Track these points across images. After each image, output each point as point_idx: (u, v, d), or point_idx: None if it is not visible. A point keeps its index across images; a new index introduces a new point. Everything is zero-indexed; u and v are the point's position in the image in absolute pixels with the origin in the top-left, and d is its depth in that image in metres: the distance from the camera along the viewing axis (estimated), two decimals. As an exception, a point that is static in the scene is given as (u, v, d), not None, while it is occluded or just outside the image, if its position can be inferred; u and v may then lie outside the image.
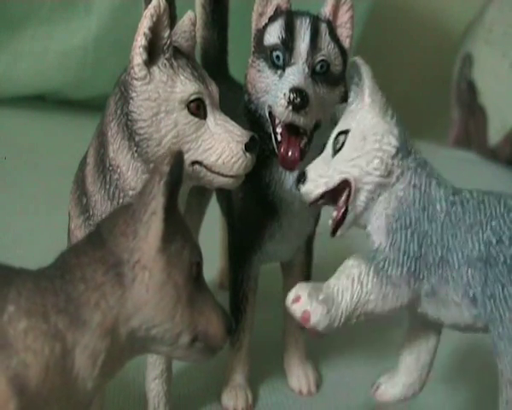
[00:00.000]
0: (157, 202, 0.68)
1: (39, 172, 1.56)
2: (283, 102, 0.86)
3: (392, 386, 0.87)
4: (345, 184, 0.82)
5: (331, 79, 0.91)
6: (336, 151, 0.83)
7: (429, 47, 2.47)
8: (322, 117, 0.90)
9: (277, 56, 0.91)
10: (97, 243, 0.69)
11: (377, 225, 0.82)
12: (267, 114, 0.91)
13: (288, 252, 1.01)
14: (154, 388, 0.92)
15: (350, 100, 0.87)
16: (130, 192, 0.81)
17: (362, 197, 0.82)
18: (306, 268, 1.04)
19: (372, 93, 0.84)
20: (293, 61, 0.90)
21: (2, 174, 1.51)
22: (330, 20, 0.93)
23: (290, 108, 0.86)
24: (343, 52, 0.93)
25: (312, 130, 0.90)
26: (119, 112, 0.81)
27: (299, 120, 0.87)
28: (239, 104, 0.95)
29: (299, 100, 0.86)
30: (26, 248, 1.25)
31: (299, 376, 1.05)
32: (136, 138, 0.80)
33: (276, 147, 0.90)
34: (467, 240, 0.79)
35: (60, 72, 1.88)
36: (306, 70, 0.89)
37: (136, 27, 0.80)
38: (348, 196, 0.82)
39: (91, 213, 0.83)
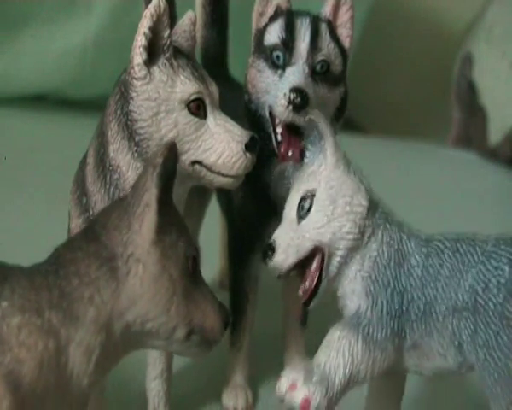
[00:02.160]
0: (150, 194, 0.67)
1: (39, 172, 1.56)
2: (283, 102, 0.86)
3: None
4: (315, 251, 0.80)
5: (331, 79, 0.91)
6: (302, 216, 0.80)
7: (429, 47, 2.46)
8: (322, 117, 0.90)
9: (277, 56, 0.91)
10: (91, 237, 0.68)
11: (351, 289, 0.80)
12: (267, 114, 0.91)
13: (288, 252, 1.01)
14: (154, 387, 0.92)
15: (307, 160, 0.84)
16: (131, 192, 0.81)
17: (335, 262, 0.80)
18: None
19: (335, 151, 0.81)
20: (293, 61, 0.90)
21: (2, 174, 1.51)
22: (330, 20, 0.93)
23: (290, 107, 0.86)
24: (343, 52, 0.93)
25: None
26: (119, 112, 0.81)
27: (300, 120, 0.87)
28: (239, 104, 0.95)
29: (300, 100, 0.86)
30: (26, 248, 1.25)
31: (299, 376, 1.05)
32: (137, 138, 0.80)
33: (276, 147, 0.90)
34: (449, 291, 0.78)
35: (60, 72, 1.87)
36: (306, 70, 0.89)
37: (136, 27, 0.80)
38: (321, 262, 0.79)
39: (91, 213, 0.83)
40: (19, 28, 1.84)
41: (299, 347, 1.05)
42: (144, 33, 0.79)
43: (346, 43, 0.94)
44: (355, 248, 0.79)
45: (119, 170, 0.81)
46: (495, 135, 2.11)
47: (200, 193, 1.13)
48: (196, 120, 0.81)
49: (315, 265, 0.80)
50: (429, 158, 2.03)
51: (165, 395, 0.93)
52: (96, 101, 1.37)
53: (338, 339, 0.77)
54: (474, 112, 2.19)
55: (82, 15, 1.86)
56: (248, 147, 0.82)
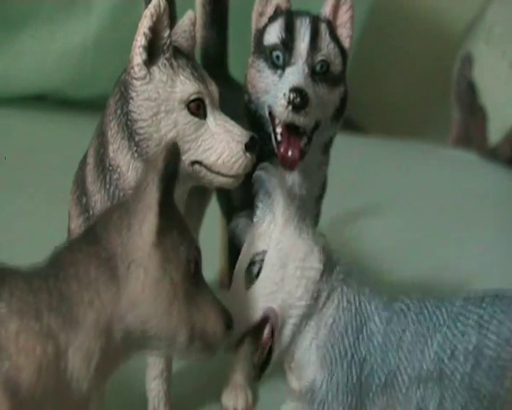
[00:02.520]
0: (152, 197, 0.66)
1: (39, 172, 1.56)
2: (283, 102, 0.86)
3: None
4: (265, 320, 0.74)
5: (331, 79, 0.91)
6: (251, 280, 0.75)
7: (429, 47, 2.46)
8: (322, 117, 0.90)
9: (277, 56, 0.91)
10: (91, 239, 0.67)
11: (307, 359, 0.74)
12: (267, 114, 0.91)
13: (287, 252, 1.01)
14: (154, 387, 0.92)
15: (256, 219, 0.78)
16: (130, 192, 0.81)
17: (287, 331, 0.74)
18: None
19: (285, 211, 0.75)
20: (293, 61, 0.90)
21: (3, 174, 1.51)
22: (330, 20, 0.93)
23: (290, 107, 0.86)
24: (343, 52, 0.93)
25: (312, 130, 0.90)
26: (119, 112, 0.81)
27: (299, 120, 0.87)
28: (239, 104, 0.95)
29: (299, 100, 0.86)
30: (26, 248, 1.25)
31: (299, 376, 1.05)
32: (136, 138, 0.80)
33: (276, 147, 0.90)
34: (412, 359, 0.72)
35: (60, 72, 1.87)
36: (306, 70, 0.89)
37: (136, 27, 0.80)
38: (272, 332, 0.74)
39: (91, 213, 0.83)
40: (19, 28, 1.84)
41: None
42: (144, 33, 0.79)
43: (346, 43, 0.94)
44: (309, 315, 0.74)
45: (119, 170, 0.81)
46: (495, 135, 2.12)
47: (200, 193, 1.13)
48: (196, 120, 0.81)
49: (265, 335, 0.74)
50: (429, 158, 2.03)
51: (165, 395, 0.92)
52: (96, 101, 1.37)
53: None
54: (474, 112, 2.19)
55: (82, 15, 1.86)
56: (248, 147, 0.82)
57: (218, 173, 0.82)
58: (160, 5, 0.79)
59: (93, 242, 0.67)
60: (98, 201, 0.82)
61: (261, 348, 0.75)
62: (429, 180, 1.86)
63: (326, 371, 0.73)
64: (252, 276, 0.75)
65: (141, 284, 0.66)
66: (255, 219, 0.78)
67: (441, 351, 0.72)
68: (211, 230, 1.20)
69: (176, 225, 0.69)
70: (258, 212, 0.78)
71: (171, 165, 0.67)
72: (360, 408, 0.73)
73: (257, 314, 0.74)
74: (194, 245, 0.70)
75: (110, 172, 0.82)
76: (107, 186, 0.82)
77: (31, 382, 0.62)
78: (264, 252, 0.75)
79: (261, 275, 0.75)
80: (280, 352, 0.75)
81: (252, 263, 0.76)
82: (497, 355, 0.72)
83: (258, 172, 0.78)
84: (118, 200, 0.81)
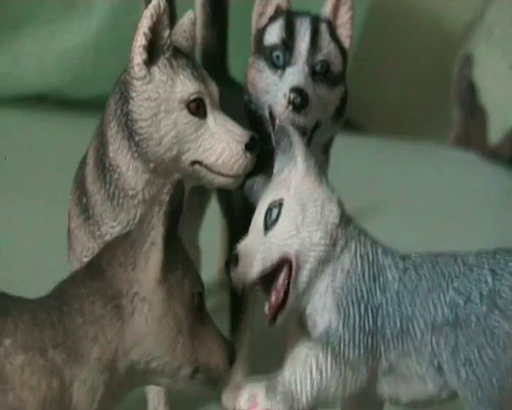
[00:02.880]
0: (156, 232, 0.66)
1: (39, 172, 1.56)
2: (283, 102, 0.86)
3: None
4: (283, 263, 0.74)
5: (331, 79, 0.91)
6: (270, 226, 0.75)
7: (429, 47, 2.46)
8: (322, 117, 0.90)
9: (277, 56, 0.91)
10: (96, 273, 0.67)
11: (322, 304, 0.75)
12: (267, 114, 0.91)
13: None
14: (154, 387, 0.92)
15: (277, 168, 0.79)
16: (130, 192, 0.81)
17: (304, 276, 0.74)
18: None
19: (306, 158, 0.77)
20: (293, 61, 0.90)
21: (3, 174, 1.51)
22: (330, 20, 0.93)
23: (290, 107, 0.86)
24: (343, 52, 0.93)
25: (312, 130, 0.90)
26: (119, 112, 0.81)
27: (300, 120, 0.87)
28: (239, 104, 0.95)
29: (299, 100, 0.86)
30: (26, 248, 1.25)
31: (299, 376, 1.04)
32: (136, 138, 0.80)
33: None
34: (428, 306, 0.73)
35: (60, 72, 1.87)
36: (306, 70, 0.89)
37: (136, 27, 0.80)
38: (289, 275, 0.74)
39: (91, 212, 0.83)
40: (19, 28, 1.84)
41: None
42: (144, 33, 0.79)
43: (346, 43, 0.94)
44: (326, 259, 0.75)
45: (118, 170, 0.81)
46: (495, 135, 2.11)
47: (200, 193, 1.13)
48: (196, 119, 0.81)
49: (282, 278, 0.75)
50: (429, 158, 2.03)
51: (165, 395, 0.92)
52: (96, 101, 1.37)
53: (306, 356, 0.73)
54: (474, 112, 2.19)
55: (82, 15, 1.86)
56: (248, 147, 0.82)
57: (218, 173, 0.82)
58: (159, 5, 0.79)
59: (97, 276, 0.67)
60: (98, 201, 0.82)
61: (276, 292, 0.75)
62: (429, 180, 1.86)
63: (342, 313, 0.73)
64: (270, 220, 0.75)
65: (145, 320, 0.66)
66: (275, 170, 0.79)
67: (457, 297, 0.73)
68: (211, 230, 1.20)
69: (180, 259, 0.69)
70: (279, 162, 0.79)
71: (175, 199, 0.67)
72: (376, 353, 0.74)
73: (274, 257, 0.74)
74: (198, 278, 0.70)
75: (110, 172, 0.82)
76: (107, 186, 0.82)
77: None
78: (283, 198, 0.76)
79: (280, 219, 0.75)
80: (296, 297, 0.75)
81: (271, 207, 0.76)
82: None
83: (279, 124, 0.79)
84: (118, 200, 0.81)
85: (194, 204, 1.12)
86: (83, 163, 0.86)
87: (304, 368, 0.73)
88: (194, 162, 0.81)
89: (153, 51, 0.80)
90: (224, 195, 1.04)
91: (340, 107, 0.93)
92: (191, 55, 0.84)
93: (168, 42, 0.80)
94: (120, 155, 0.81)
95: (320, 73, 0.91)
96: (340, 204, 0.77)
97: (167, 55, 0.81)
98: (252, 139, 0.82)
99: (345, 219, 0.76)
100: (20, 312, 0.65)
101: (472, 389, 0.73)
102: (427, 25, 2.48)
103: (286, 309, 0.75)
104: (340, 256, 0.75)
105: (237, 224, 1.00)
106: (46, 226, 1.31)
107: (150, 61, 0.80)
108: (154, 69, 0.80)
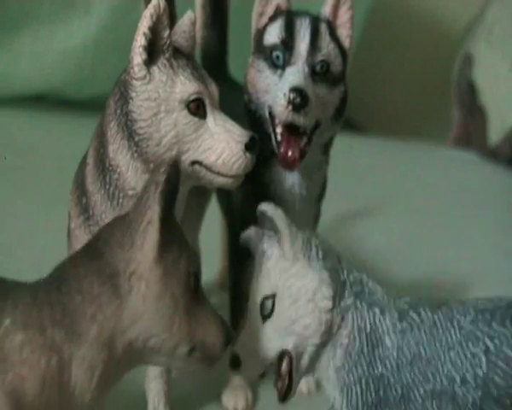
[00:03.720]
0: (153, 212, 0.67)
1: (39, 172, 1.56)
2: (283, 102, 0.86)
3: None
4: (283, 354, 0.76)
5: (331, 79, 0.91)
6: (266, 317, 0.76)
7: (429, 47, 2.46)
8: (322, 117, 0.90)
9: (277, 56, 0.91)
10: (94, 253, 0.68)
11: (327, 376, 0.77)
12: (267, 114, 0.91)
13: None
14: (154, 387, 0.92)
15: (267, 255, 0.78)
16: (130, 192, 0.81)
17: (305, 361, 0.76)
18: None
19: (292, 244, 0.76)
20: (293, 61, 0.90)
21: (3, 174, 1.51)
22: (330, 20, 0.93)
23: (290, 107, 0.86)
24: (343, 52, 0.93)
25: (312, 130, 0.90)
26: (118, 112, 0.81)
27: (299, 120, 0.87)
28: (239, 104, 0.95)
29: (299, 100, 0.86)
30: (25, 249, 1.25)
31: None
32: (136, 138, 0.80)
33: (276, 147, 0.90)
34: (426, 375, 0.74)
35: (60, 72, 1.87)
36: (306, 70, 0.89)
37: (136, 27, 0.80)
38: (290, 364, 0.76)
39: (91, 213, 0.83)
40: (19, 28, 1.84)
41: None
42: (144, 33, 0.79)
43: (346, 43, 0.94)
44: (324, 342, 0.75)
45: (118, 170, 0.81)
46: (495, 135, 2.12)
47: (200, 193, 1.13)
48: (196, 120, 0.81)
49: (284, 367, 0.76)
50: (429, 158, 2.03)
51: (165, 395, 0.93)
52: (96, 101, 1.37)
53: None
54: (474, 112, 2.19)
55: (82, 15, 1.86)
56: (248, 147, 0.82)
57: (218, 173, 0.82)
58: (159, 5, 0.79)
59: (96, 257, 0.68)
60: (98, 201, 0.82)
61: (281, 380, 0.77)
62: (429, 180, 1.86)
63: (345, 392, 0.75)
64: (267, 312, 0.76)
65: (142, 298, 0.67)
66: (267, 255, 0.78)
67: (454, 370, 0.74)
68: (211, 230, 1.20)
69: (176, 238, 0.70)
70: (265, 245, 0.78)
71: (171, 180, 0.68)
72: None
73: (274, 351, 0.76)
74: (194, 258, 0.71)
75: (110, 172, 0.82)
76: (107, 186, 0.82)
77: (35, 394, 0.63)
78: (276, 288, 0.76)
79: (275, 312, 0.76)
80: (300, 377, 0.77)
81: (264, 301, 0.77)
82: (507, 384, 0.74)
83: (262, 210, 0.79)
84: (117, 200, 0.81)
85: (194, 204, 1.12)
86: (83, 163, 0.86)
87: None
88: (193, 162, 0.81)
89: (153, 51, 0.80)
90: (224, 195, 1.04)
91: (340, 107, 0.93)
92: (191, 55, 0.84)
93: (168, 42, 0.80)
94: (120, 155, 0.81)
95: (320, 73, 0.91)
96: (333, 272, 0.76)
97: (167, 55, 0.81)
98: (251, 139, 0.82)
99: (340, 290, 0.76)
100: (19, 293, 0.65)
101: None
102: (427, 25, 2.49)
103: (294, 390, 0.77)
104: (337, 333, 0.76)
105: (237, 224, 1.00)
106: (46, 226, 1.31)
107: (150, 61, 0.80)
108: (154, 69, 0.80)
